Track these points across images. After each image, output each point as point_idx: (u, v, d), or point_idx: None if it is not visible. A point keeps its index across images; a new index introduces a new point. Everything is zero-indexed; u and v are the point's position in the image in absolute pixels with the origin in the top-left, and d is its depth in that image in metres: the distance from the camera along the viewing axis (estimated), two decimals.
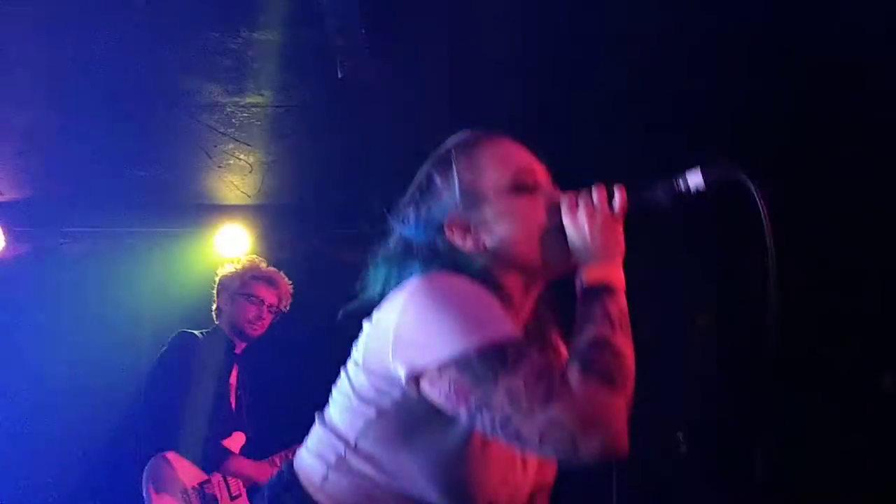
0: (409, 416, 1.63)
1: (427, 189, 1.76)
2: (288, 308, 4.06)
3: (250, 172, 4.63)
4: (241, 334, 3.94)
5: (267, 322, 3.97)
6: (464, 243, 1.70)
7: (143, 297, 4.65)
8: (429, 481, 1.66)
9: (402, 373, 1.55)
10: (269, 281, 3.99)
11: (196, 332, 3.86)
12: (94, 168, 4.53)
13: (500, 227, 1.70)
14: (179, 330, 3.85)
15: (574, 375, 1.48)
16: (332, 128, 4.19)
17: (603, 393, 1.47)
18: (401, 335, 1.56)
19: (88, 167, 4.53)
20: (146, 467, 3.64)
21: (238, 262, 4.09)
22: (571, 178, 1.80)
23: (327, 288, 4.76)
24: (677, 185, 1.66)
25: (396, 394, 1.61)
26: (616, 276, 1.68)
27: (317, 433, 1.78)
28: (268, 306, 3.95)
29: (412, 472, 1.66)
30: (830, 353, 4.57)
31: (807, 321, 4.03)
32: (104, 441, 4.20)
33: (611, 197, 1.69)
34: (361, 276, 1.77)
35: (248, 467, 3.82)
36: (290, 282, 4.11)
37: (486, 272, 1.68)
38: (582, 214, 1.67)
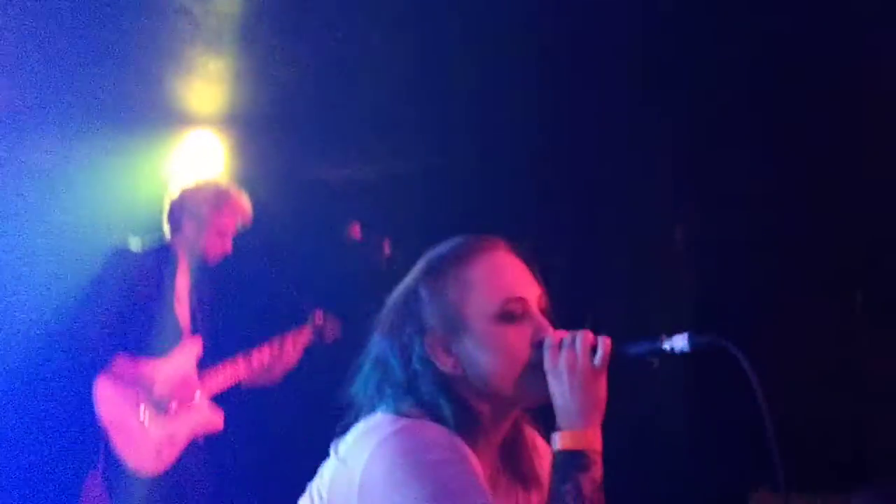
0: None
1: (413, 301, 1.73)
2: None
3: (221, 81, 4.47)
4: (199, 260, 3.90)
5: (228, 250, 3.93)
6: (443, 363, 1.68)
7: (106, 209, 4.51)
8: None
9: None
10: (241, 212, 3.93)
11: (136, 248, 3.78)
12: (58, 74, 4.35)
13: (480, 357, 1.68)
14: (114, 247, 3.77)
15: None
16: (304, 34, 4.05)
17: None
18: (367, 489, 1.55)
19: (52, 73, 4.34)
20: (95, 384, 3.59)
21: (209, 186, 3.97)
22: None
23: (298, 203, 4.67)
24: (662, 346, 1.65)
25: None
26: (593, 441, 1.64)
27: None
28: (233, 236, 3.93)
29: None
30: None
31: None
32: (55, 346, 4.04)
33: (594, 348, 1.66)
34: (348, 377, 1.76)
35: (202, 381, 3.80)
36: (259, 197, 4.03)
37: (461, 401, 1.67)
38: (563, 363, 1.64)
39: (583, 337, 1.66)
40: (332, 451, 1.66)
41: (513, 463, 1.80)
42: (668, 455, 4.53)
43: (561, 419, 1.65)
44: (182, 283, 3.89)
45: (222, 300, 4.11)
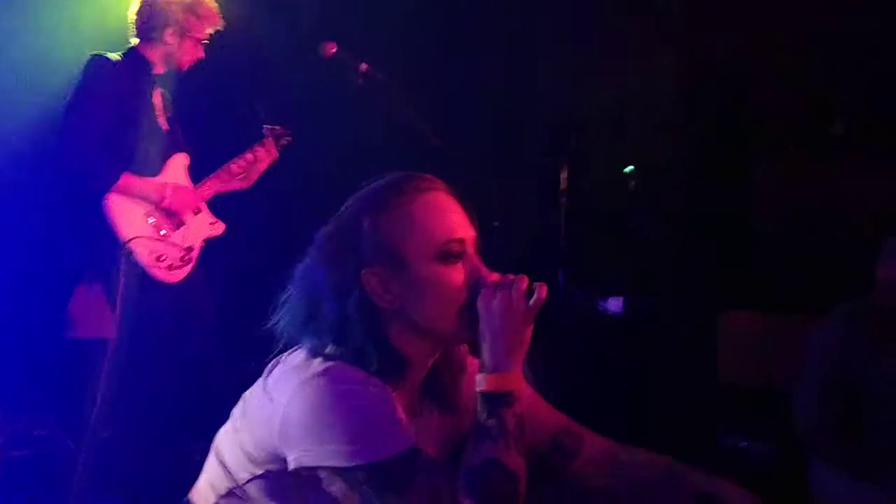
0: (295, 480, 1.68)
1: (353, 233, 1.73)
2: None
3: None
4: (172, 66, 3.83)
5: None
6: (379, 297, 1.71)
7: (53, 35, 4.13)
8: None
9: (290, 461, 1.64)
10: (215, 19, 3.86)
11: (110, 54, 3.72)
12: None
13: (417, 295, 1.71)
14: (92, 53, 3.69)
15: None
16: None
17: None
18: (289, 429, 1.62)
19: None
20: (105, 203, 3.60)
21: None
22: None
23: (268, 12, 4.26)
24: (597, 305, 1.67)
25: (284, 466, 1.67)
26: (516, 381, 1.71)
27: (211, 461, 1.84)
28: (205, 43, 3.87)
29: None
30: None
31: None
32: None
33: (530, 292, 1.71)
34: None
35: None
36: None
37: (389, 343, 1.71)
38: (497, 304, 1.70)
39: (519, 281, 1.72)
40: (262, 381, 1.74)
41: (438, 391, 1.86)
42: (638, 276, 4.28)
43: (487, 359, 1.70)
44: (157, 96, 3.86)
45: (198, 113, 4.09)
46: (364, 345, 1.68)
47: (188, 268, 3.74)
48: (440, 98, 4.33)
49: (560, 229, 3.96)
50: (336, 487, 1.62)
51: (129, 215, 3.60)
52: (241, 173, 3.97)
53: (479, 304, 1.69)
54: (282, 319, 1.77)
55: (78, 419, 3.46)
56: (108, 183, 3.58)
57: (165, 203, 3.68)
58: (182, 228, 3.76)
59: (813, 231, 4.47)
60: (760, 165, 4.71)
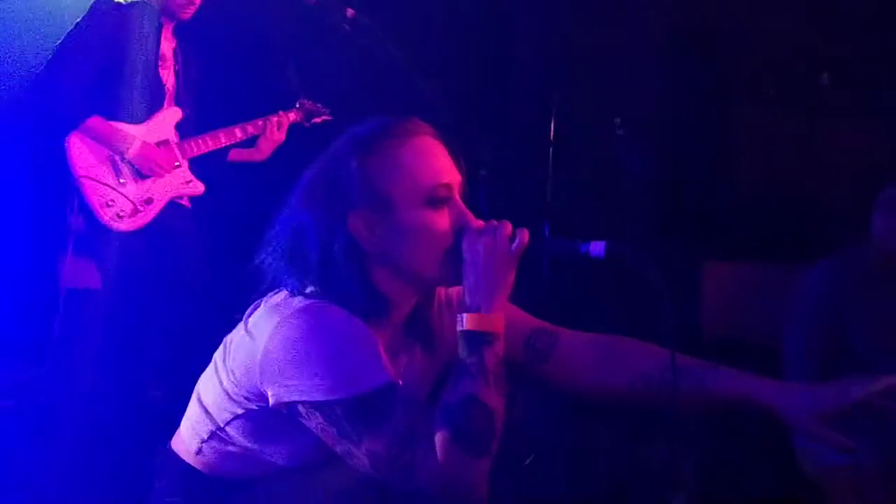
0: (276, 419, 1.72)
1: (343, 174, 1.74)
2: None
3: None
4: (170, 15, 3.77)
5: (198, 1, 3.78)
6: (364, 240, 1.73)
7: None
8: (297, 465, 1.78)
9: (269, 397, 1.68)
10: None
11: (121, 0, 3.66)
12: None
13: (403, 238, 1.74)
14: None
15: (441, 442, 1.60)
16: None
17: (468, 463, 1.60)
18: (269, 363, 1.66)
19: None
20: (66, 139, 3.60)
21: None
22: None
23: None
24: (579, 249, 1.77)
25: (264, 403, 1.70)
26: (497, 323, 1.73)
27: (193, 406, 1.87)
28: None
29: (281, 459, 1.79)
30: None
31: None
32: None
33: (513, 237, 1.75)
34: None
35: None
36: None
37: (372, 286, 1.75)
38: (481, 247, 1.72)
39: (503, 226, 1.75)
40: (242, 323, 1.77)
41: (420, 330, 1.89)
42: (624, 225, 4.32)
43: (470, 299, 1.73)
44: (167, 47, 3.80)
45: (208, 71, 3.99)
46: (348, 286, 1.71)
47: (141, 220, 3.66)
48: (426, 46, 4.28)
49: (547, 179, 3.95)
50: (314, 423, 1.65)
51: (88, 156, 3.57)
52: (244, 139, 3.90)
53: (464, 246, 1.73)
54: (266, 259, 1.80)
55: (67, 368, 3.48)
56: (73, 124, 3.56)
57: (129, 155, 3.62)
58: (147, 180, 3.68)
59: (797, 180, 4.47)
60: (745, 115, 4.71)
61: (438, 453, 1.60)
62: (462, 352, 1.71)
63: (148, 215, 3.68)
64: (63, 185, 3.61)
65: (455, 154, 1.81)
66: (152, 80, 3.71)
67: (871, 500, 2.80)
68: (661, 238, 4.31)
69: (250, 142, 3.94)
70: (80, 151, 3.57)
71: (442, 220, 1.75)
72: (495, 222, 1.75)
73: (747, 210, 4.48)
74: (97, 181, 3.57)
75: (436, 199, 1.74)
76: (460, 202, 1.78)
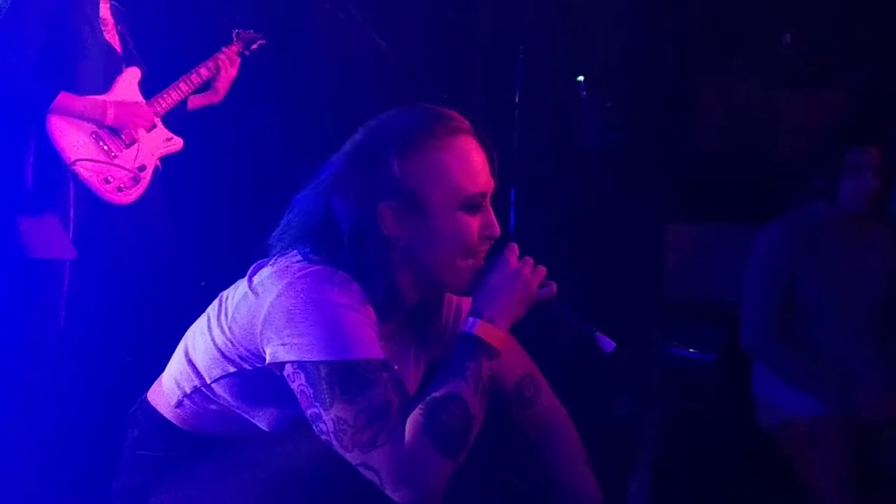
0: (267, 381, 1.74)
1: (381, 166, 1.75)
2: None
3: None
4: None
5: None
6: (390, 230, 1.75)
7: None
8: (276, 431, 1.82)
9: (266, 356, 1.70)
10: None
11: None
12: None
13: (429, 237, 1.76)
14: None
15: (412, 429, 1.60)
16: None
17: (432, 458, 1.59)
18: (271, 321, 1.68)
19: None
20: (47, 123, 3.47)
21: None
22: None
23: None
24: (590, 334, 1.81)
25: (259, 363, 1.73)
26: (503, 341, 1.76)
27: (179, 360, 1.88)
28: None
29: (263, 423, 1.82)
30: None
31: None
32: None
33: (543, 284, 1.80)
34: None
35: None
36: None
37: (391, 277, 1.78)
38: (515, 272, 1.78)
39: (541, 268, 1.81)
40: (245, 281, 1.79)
41: (420, 323, 1.93)
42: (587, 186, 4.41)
43: (485, 307, 1.75)
44: (104, 10, 3.67)
45: (143, 25, 3.89)
46: (370, 270, 1.74)
47: (140, 188, 3.61)
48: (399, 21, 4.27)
49: (512, 143, 3.97)
50: (297, 383, 1.67)
51: (73, 136, 3.45)
52: (201, 83, 3.82)
53: (504, 263, 1.79)
54: (285, 239, 1.82)
55: (41, 341, 3.46)
56: (45, 103, 3.41)
57: (108, 120, 3.52)
58: (133, 146, 3.60)
59: (756, 143, 4.53)
60: (706, 76, 4.74)
61: (407, 440, 1.60)
62: (460, 354, 1.73)
63: (145, 182, 3.63)
64: (51, 178, 3.48)
65: (491, 154, 1.83)
66: (103, 46, 3.59)
67: (828, 451, 2.88)
68: (623, 199, 4.37)
69: (203, 87, 3.87)
70: (65, 132, 3.44)
71: (472, 225, 1.78)
72: (531, 259, 1.81)
73: (708, 171, 4.53)
74: (90, 160, 3.47)
75: (471, 206, 1.77)
76: (491, 210, 1.82)
